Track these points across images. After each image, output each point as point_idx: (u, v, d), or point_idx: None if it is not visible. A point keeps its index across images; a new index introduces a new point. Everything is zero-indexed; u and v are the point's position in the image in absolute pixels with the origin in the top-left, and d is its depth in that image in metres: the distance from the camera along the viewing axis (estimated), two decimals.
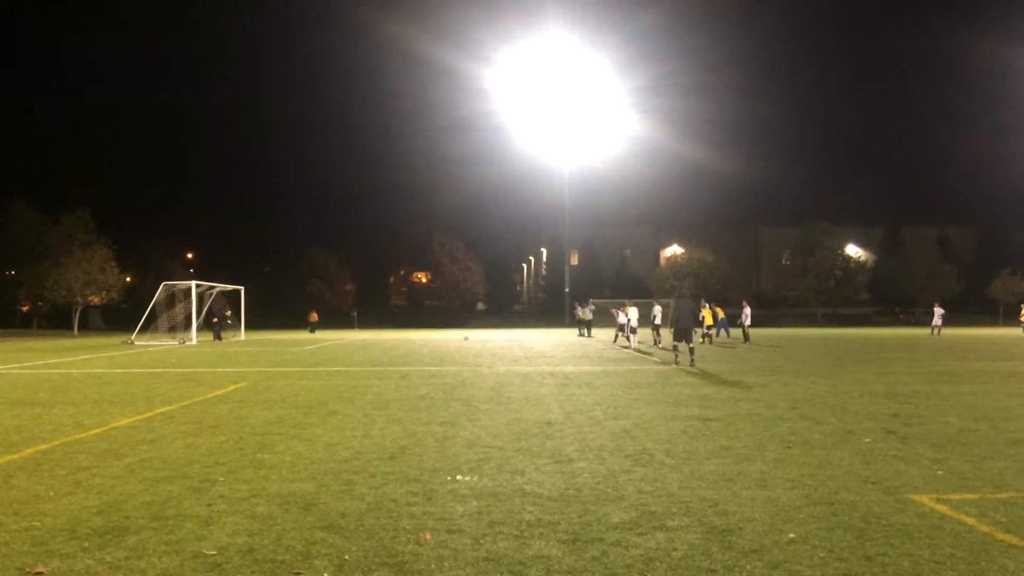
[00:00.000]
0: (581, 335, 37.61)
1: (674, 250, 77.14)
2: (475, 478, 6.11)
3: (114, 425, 9.03)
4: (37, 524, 4.99)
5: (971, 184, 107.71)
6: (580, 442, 7.63)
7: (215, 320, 37.93)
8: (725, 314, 32.17)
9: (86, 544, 4.59)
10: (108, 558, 4.34)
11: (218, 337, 37.01)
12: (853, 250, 76.17)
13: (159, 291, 36.11)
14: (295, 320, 63.06)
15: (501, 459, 6.84)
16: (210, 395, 12.08)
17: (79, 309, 56.67)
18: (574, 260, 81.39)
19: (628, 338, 26.65)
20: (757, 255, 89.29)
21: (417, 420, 9.16)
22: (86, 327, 60.83)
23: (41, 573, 4.13)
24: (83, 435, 8.33)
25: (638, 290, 65.50)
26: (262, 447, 7.52)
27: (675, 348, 17.68)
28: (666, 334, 18.61)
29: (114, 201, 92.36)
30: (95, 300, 58.46)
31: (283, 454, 7.16)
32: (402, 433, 8.25)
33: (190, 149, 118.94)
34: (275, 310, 71.92)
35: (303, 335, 45.43)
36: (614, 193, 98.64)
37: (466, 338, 34.88)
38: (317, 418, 9.42)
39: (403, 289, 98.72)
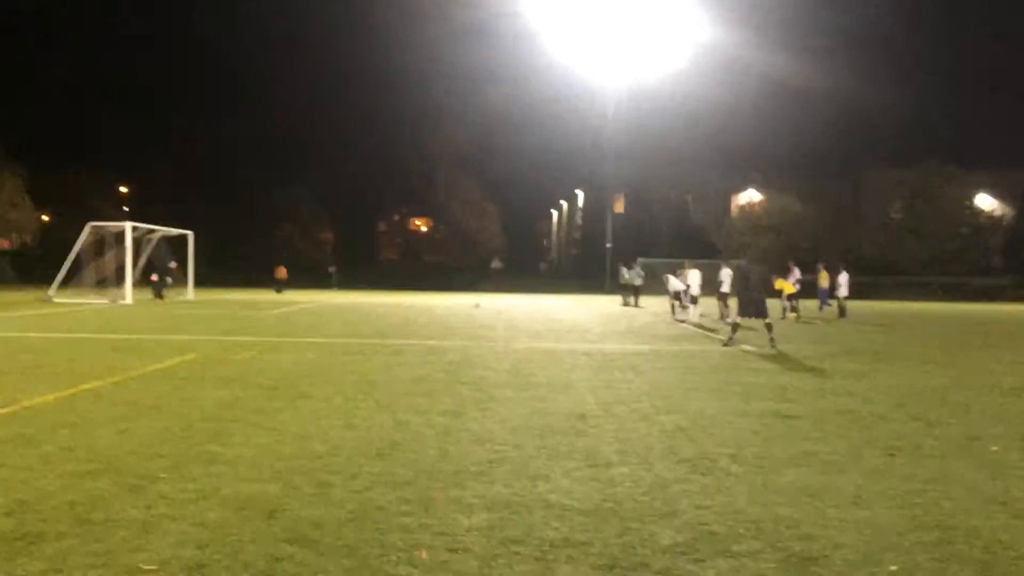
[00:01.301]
0: (627, 304, 37.66)
1: (750, 196, 76.67)
2: (486, 485, 6.16)
3: (27, 404, 9.18)
4: None
5: None
6: (621, 441, 7.67)
7: (156, 275, 38.28)
8: (821, 282, 32.09)
9: None
10: (20, 571, 4.41)
11: (159, 295, 37.38)
12: (985, 202, 75.20)
13: (84, 234, 36.38)
14: (258, 275, 63.54)
15: (519, 460, 6.90)
16: (149, 368, 12.22)
17: None
18: (619, 207, 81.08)
19: (686, 309, 26.65)
20: (858, 206, 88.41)
21: (412, 408, 9.24)
22: None
23: None
24: None
25: (702, 248, 65.16)
26: (215, 436, 7.61)
27: (735, 326, 17.65)
28: (735, 307, 18.59)
29: (28, 120, 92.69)
30: (3, 244, 59.12)
31: (241, 446, 7.25)
32: (393, 424, 8.33)
33: (127, 58, 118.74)
34: (233, 262, 72.36)
35: (268, 295, 45.72)
36: (674, 121, 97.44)
37: (477, 305, 35.01)
38: (284, 401, 9.52)
39: (397, 240, 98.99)
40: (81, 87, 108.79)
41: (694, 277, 26.39)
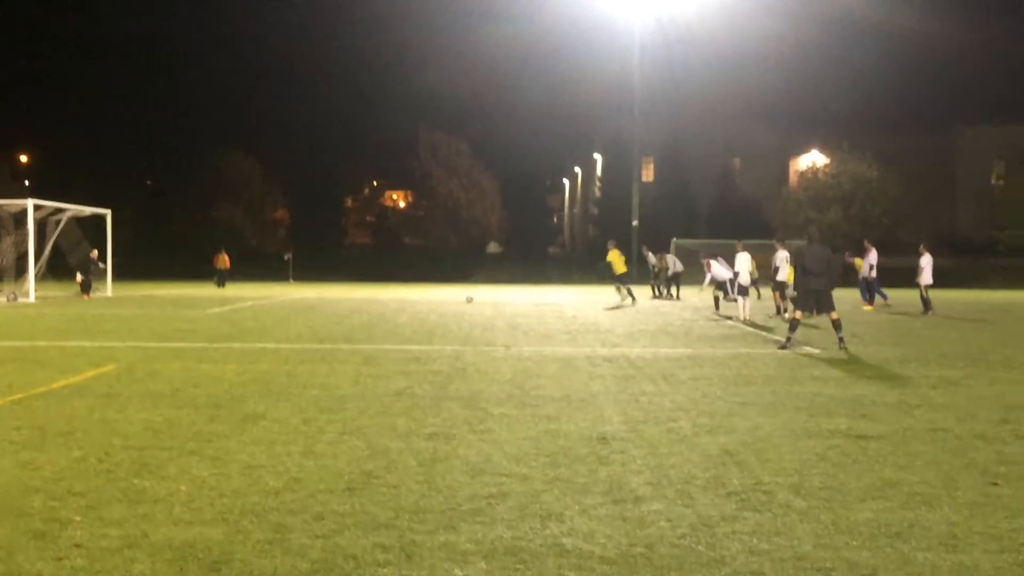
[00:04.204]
0: (658, 296, 37.81)
1: (813, 160, 76.42)
2: (484, 526, 6.16)
3: None
4: None
5: None
6: (653, 470, 7.69)
7: (80, 274, 37.95)
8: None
9: None
10: None
11: (86, 290, 37.24)
12: None
13: None
14: (194, 265, 63.43)
15: (525, 495, 6.90)
16: (58, 384, 12.22)
17: None
18: (648, 174, 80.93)
19: (735, 303, 26.65)
20: (949, 170, 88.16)
21: (390, 430, 9.26)
22: None
23: None
24: None
25: (753, 225, 65.02)
26: (142, 469, 7.62)
27: (794, 323, 17.73)
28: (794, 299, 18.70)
29: None
30: None
31: (175, 480, 7.26)
32: (366, 451, 8.34)
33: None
34: (161, 248, 72.20)
35: (207, 290, 45.65)
36: (717, 65, 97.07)
37: (470, 299, 34.94)
38: (229, 424, 9.53)
39: (368, 218, 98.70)
40: None
41: (743, 262, 26.29)
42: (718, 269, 28.13)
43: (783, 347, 17.37)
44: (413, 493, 6.93)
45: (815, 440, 8.97)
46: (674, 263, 38.39)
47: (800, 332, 18.29)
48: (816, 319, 20.39)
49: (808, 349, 17.30)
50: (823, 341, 18.42)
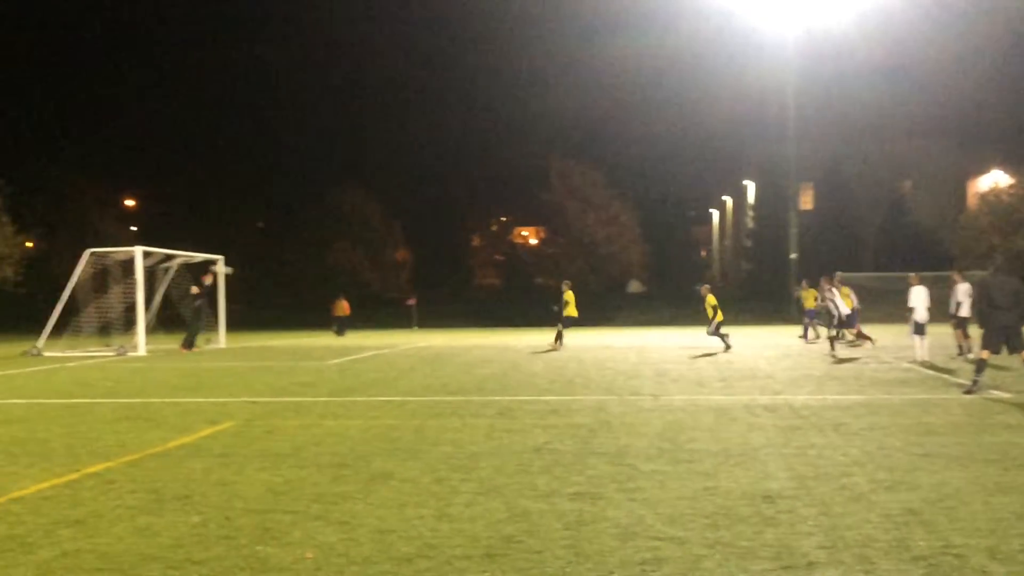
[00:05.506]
0: (811, 338, 37.56)
1: (995, 179, 74.72)
2: None
3: (16, 495, 9.47)
4: None
5: None
6: (827, 532, 7.56)
7: (191, 316, 38.50)
8: None
9: None
10: None
11: (191, 343, 37.82)
12: None
13: (81, 264, 37.27)
14: (311, 313, 64.62)
15: (683, 561, 6.84)
16: (173, 443, 12.53)
17: None
18: (807, 201, 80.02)
19: (840, 339, 26.40)
20: None
21: (531, 490, 9.27)
22: None
23: None
24: None
25: (928, 255, 63.76)
26: (264, 534, 7.75)
27: (980, 364, 17.27)
28: (977, 336, 18.27)
29: (9, 117, 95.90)
30: None
31: (301, 546, 7.36)
32: (505, 513, 8.36)
33: (128, 37, 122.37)
34: (276, 296, 73.74)
35: (325, 339, 46.45)
36: (879, 78, 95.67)
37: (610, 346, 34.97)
38: (356, 485, 9.65)
39: (497, 257, 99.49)
40: (70, 79, 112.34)
41: (919, 296, 25.80)
42: (838, 301, 28.15)
43: (969, 391, 16.98)
44: (559, 559, 6.92)
45: (1011, 496, 8.75)
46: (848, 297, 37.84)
47: (988, 374, 17.85)
48: (1006, 359, 19.82)
49: (998, 393, 16.93)
50: (1015, 384, 18.01)
